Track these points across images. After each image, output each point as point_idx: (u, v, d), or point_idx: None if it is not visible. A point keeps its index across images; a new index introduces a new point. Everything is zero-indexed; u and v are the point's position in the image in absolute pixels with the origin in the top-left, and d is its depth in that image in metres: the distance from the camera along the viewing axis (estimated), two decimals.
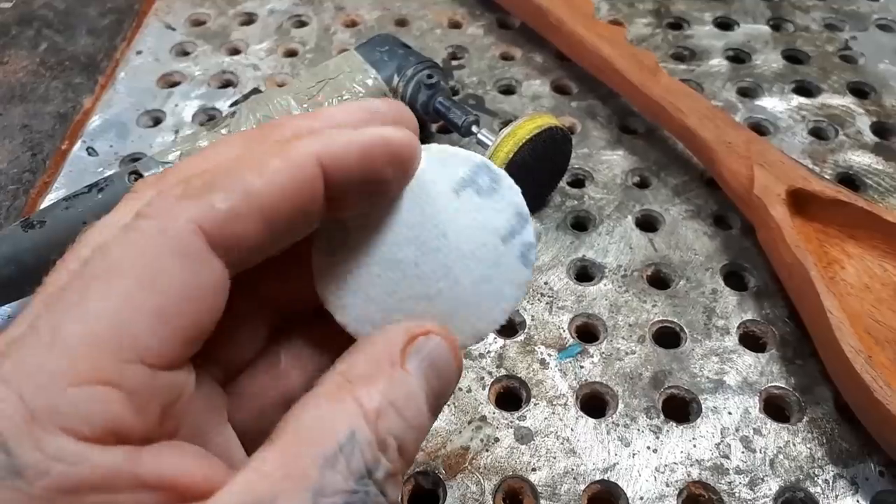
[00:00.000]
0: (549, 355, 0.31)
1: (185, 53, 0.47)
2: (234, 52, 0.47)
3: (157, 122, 0.42)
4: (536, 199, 0.37)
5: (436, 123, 0.42)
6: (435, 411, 0.17)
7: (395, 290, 0.19)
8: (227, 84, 0.45)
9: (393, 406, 0.16)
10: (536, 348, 0.32)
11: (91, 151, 0.40)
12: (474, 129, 0.37)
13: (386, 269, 0.19)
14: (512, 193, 0.19)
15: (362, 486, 0.15)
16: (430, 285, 0.19)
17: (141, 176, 0.33)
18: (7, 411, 0.13)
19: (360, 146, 0.16)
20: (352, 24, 0.49)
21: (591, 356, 0.31)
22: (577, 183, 0.39)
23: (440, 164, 0.19)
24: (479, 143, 0.37)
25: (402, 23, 0.49)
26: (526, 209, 0.19)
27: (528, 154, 0.34)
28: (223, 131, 0.35)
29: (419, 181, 0.19)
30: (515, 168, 0.34)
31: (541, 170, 0.36)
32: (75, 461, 0.13)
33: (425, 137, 0.41)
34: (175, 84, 0.45)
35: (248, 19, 0.49)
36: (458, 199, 0.19)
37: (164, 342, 0.14)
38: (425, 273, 0.19)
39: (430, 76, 0.38)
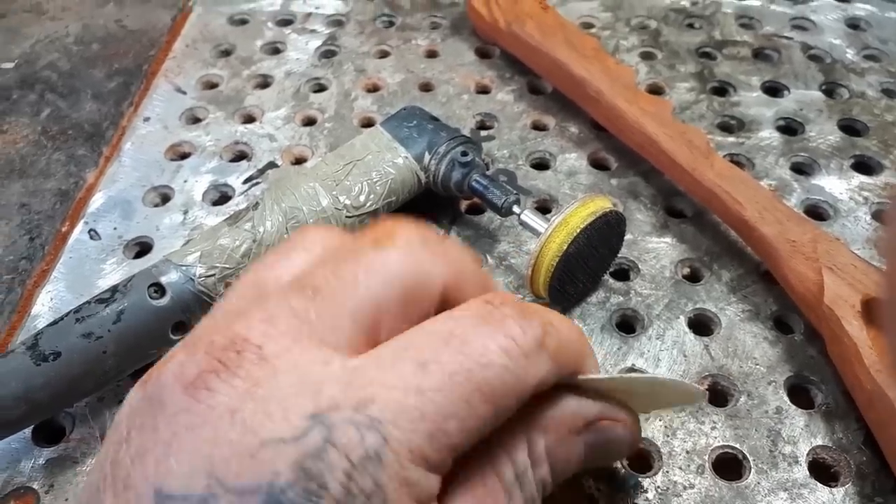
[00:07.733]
0: (599, 489, 0.28)
1: (197, 120, 0.44)
2: (249, 119, 0.44)
3: (165, 199, 0.39)
4: (591, 283, 0.34)
5: (468, 201, 0.39)
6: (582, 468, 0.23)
7: None
8: (240, 156, 0.42)
9: (550, 458, 0.21)
10: (584, 482, 0.28)
11: (93, 235, 0.37)
12: (516, 209, 0.34)
13: None
14: None
15: None
16: None
17: (162, 287, 0.29)
18: (392, 451, 0.17)
19: None
20: (374, 89, 0.46)
21: (646, 491, 0.28)
22: (622, 274, 0.36)
23: None
24: (523, 224, 0.34)
25: (426, 87, 0.45)
26: None
27: (584, 243, 0.31)
28: (247, 226, 0.32)
29: None
30: (570, 259, 0.31)
31: (596, 256, 0.33)
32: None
33: (454, 216, 0.38)
34: (185, 155, 0.42)
35: (264, 82, 0.46)
36: None
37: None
38: None
39: (464, 153, 0.35)
